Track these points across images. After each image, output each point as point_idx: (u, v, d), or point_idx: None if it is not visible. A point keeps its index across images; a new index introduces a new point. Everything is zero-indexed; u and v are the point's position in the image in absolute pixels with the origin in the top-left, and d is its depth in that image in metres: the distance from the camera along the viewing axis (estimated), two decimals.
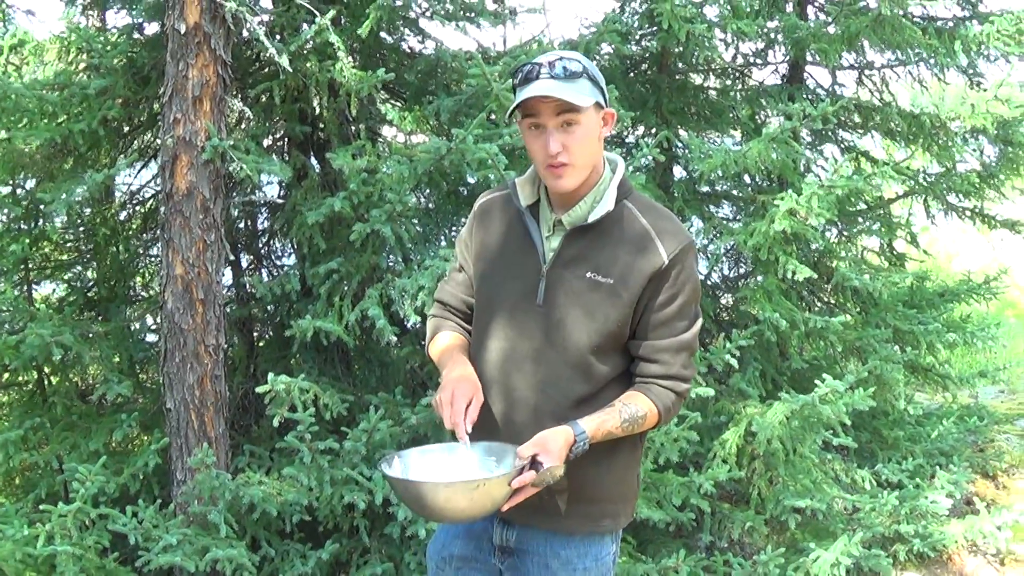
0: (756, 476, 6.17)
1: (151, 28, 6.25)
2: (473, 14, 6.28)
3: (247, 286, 6.29)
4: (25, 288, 6.38)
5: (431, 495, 2.95)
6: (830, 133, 7.88)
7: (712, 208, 7.44)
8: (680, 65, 7.55)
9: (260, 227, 6.90)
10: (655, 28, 6.90)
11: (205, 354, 5.36)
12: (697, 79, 7.90)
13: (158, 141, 6.09)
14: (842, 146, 8.04)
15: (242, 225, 6.77)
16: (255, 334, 6.64)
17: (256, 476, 5.37)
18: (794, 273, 6.19)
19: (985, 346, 7.79)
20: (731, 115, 7.60)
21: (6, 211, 6.19)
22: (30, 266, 6.38)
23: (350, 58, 5.57)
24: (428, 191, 6.26)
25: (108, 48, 6.04)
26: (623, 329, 3.18)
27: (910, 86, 8.25)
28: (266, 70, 6.05)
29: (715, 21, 6.65)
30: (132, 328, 6.48)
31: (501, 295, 3.30)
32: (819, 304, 7.87)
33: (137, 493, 5.43)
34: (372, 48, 6.31)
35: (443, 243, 6.30)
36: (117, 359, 6.05)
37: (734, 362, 5.94)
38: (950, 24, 7.45)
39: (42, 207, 5.88)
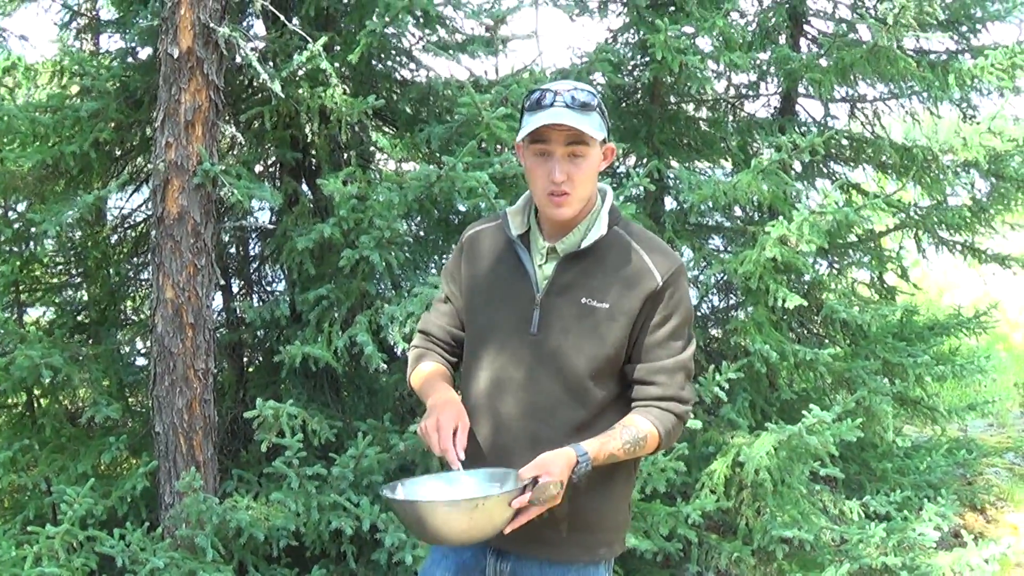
0: (744, 506, 6.17)
1: (144, 52, 6.27)
2: (466, 44, 6.30)
3: (237, 311, 6.30)
4: (16, 310, 6.38)
5: (430, 514, 2.95)
6: (821, 166, 7.91)
7: (702, 239, 7.45)
8: (672, 96, 7.58)
9: (251, 252, 6.90)
10: (647, 59, 6.92)
11: (194, 378, 5.36)
12: (689, 110, 7.92)
13: (150, 165, 6.10)
14: (834, 179, 8.05)
15: (233, 250, 6.77)
16: (245, 359, 6.64)
17: (244, 501, 5.36)
18: (784, 302, 6.19)
19: (974, 379, 7.81)
20: (722, 146, 7.62)
21: None
22: (21, 288, 6.38)
23: (342, 85, 5.58)
24: (419, 218, 6.27)
25: (101, 72, 6.06)
26: (620, 353, 3.20)
27: (903, 119, 8.27)
28: (258, 96, 6.06)
29: (708, 52, 6.66)
30: (122, 351, 6.50)
31: (494, 325, 3.31)
32: (809, 336, 7.87)
33: (125, 516, 5.42)
34: (364, 75, 6.32)
35: (433, 270, 6.30)
36: (107, 382, 6.03)
37: (723, 394, 5.94)
38: (943, 57, 7.48)
39: (33, 229, 5.89)
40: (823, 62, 7.03)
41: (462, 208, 5.94)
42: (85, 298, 6.79)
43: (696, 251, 7.16)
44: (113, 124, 5.93)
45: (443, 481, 3.22)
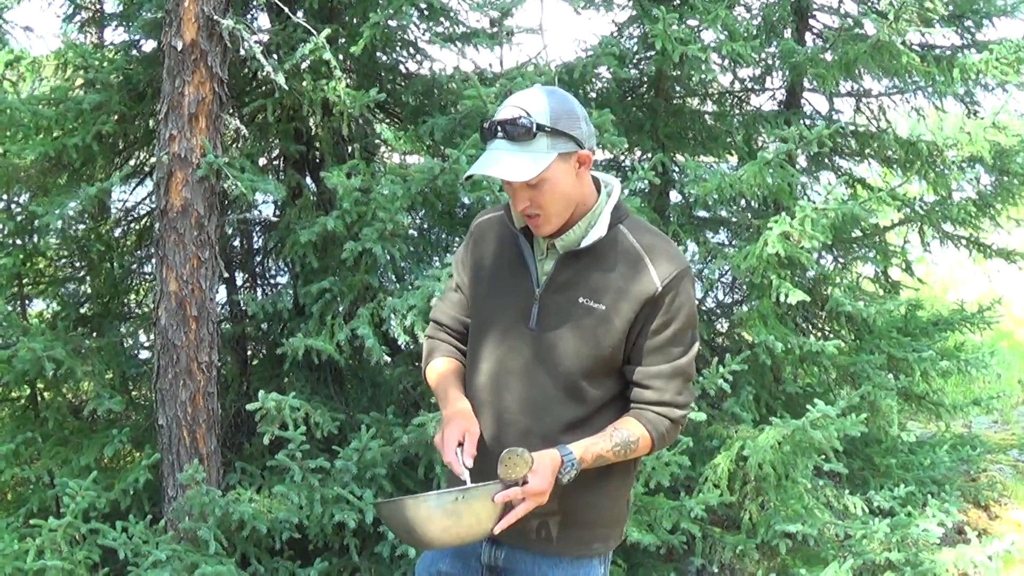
0: (747, 500, 6.16)
1: (148, 45, 6.28)
2: (470, 36, 6.29)
3: (240, 304, 6.29)
4: (19, 303, 6.38)
5: (413, 511, 2.95)
6: (826, 159, 7.89)
7: (708, 233, 7.44)
8: (677, 89, 7.57)
9: (255, 245, 6.90)
10: (652, 52, 6.91)
11: (198, 371, 5.36)
12: (694, 103, 7.92)
13: (153, 158, 6.10)
14: (839, 173, 8.03)
15: (236, 243, 6.77)
16: (248, 352, 6.64)
17: (247, 493, 5.36)
18: (787, 296, 6.18)
19: (979, 375, 7.80)
20: (727, 139, 7.61)
21: (0, 225, 6.19)
22: (24, 281, 6.38)
23: (345, 78, 5.58)
24: (422, 211, 6.26)
25: (104, 64, 6.05)
26: (616, 354, 3.17)
27: (907, 114, 8.25)
28: (262, 88, 6.05)
29: (711, 45, 6.65)
30: (125, 344, 6.49)
31: (494, 317, 3.30)
32: (814, 330, 7.86)
33: (128, 509, 5.41)
34: (368, 68, 6.33)
35: (436, 263, 6.29)
36: (110, 375, 6.04)
37: (727, 387, 5.93)
38: (948, 52, 7.46)
39: (36, 222, 5.89)
40: (828, 56, 7.02)
41: (466, 201, 5.93)
42: (88, 291, 6.78)
43: (701, 245, 7.15)
44: (116, 116, 5.92)
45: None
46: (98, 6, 7.30)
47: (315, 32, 5.42)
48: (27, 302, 6.55)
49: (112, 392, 5.71)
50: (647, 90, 7.50)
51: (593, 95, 7.01)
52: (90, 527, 5.05)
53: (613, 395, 3.25)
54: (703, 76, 6.90)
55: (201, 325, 5.35)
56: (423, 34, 6.42)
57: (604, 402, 3.23)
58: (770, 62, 7.48)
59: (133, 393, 6.52)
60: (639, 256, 3.15)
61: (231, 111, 5.58)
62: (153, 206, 6.28)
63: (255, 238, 6.90)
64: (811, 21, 7.76)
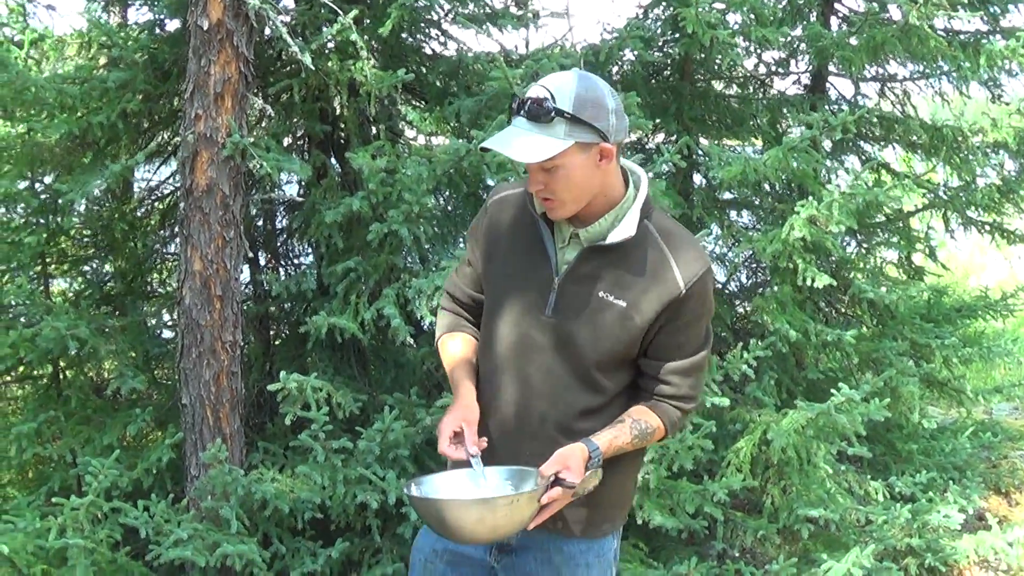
0: (770, 485, 6.16)
1: (172, 24, 6.26)
2: (496, 17, 6.28)
3: (264, 284, 6.29)
4: (42, 282, 6.39)
5: (462, 512, 2.94)
6: (851, 144, 7.86)
7: (731, 217, 7.42)
8: (702, 72, 7.54)
9: (279, 225, 6.90)
10: (678, 34, 6.89)
11: (222, 350, 5.36)
12: (719, 87, 7.89)
13: (177, 138, 6.09)
14: (863, 157, 8.00)
15: (261, 223, 6.76)
16: (271, 332, 6.65)
17: (269, 473, 5.37)
18: (812, 281, 6.17)
19: (1001, 362, 7.78)
20: (752, 123, 7.58)
21: (23, 204, 6.19)
22: (47, 260, 6.38)
23: (371, 58, 5.57)
24: (447, 192, 6.26)
25: (129, 43, 6.06)
26: (632, 349, 3.18)
27: (931, 99, 8.23)
28: (287, 68, 6.05)
29: (738, 28, 6.62)
30: (148, 324, 6.50)
31: (511, 299, 3.28)
32: (837, 315, 7.84)
33: (150, 488, 5.42)
34: (394, 49, 6.31)
35: (460, 244, 6.30)
36: (132, 354, 6.03)
37: (750, 372, 5.93)
38: (972, 38, 7.43)
39: (60, 201, 5.90)
40: (853, 41, 6.99)
41: (491, 183, 5.92)
42: (111, 270, 6.79)
43: (724, 229, 7.14)
44: (141, 95, 5.92)
45: (457, 479, 3.21)
46: None
47: (342, 12, 5.41)
48: (50, 281, 6.55)
49: (135, 371, 5.73)
50: (672, 73, 7.48)
51: (618, 77, 6.98)
52: (112, 506, 5.06)
53: (625, 384, 3.27)
54: (729, 60, 6.86)
55: (225, 305, 5.35)
56: (449, 15, 6.41)
57: (618, 391, 3.25)
58: (795, 45, 7.46)
59: (156, 373, 6.53)
60: (664, 255, 3.13)
61: (256, 91, 5.57)
62: (176, 185, 6.28)
63: (279, 218, 6.90)
64: (836, 5, 7.72)
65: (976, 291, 8.43)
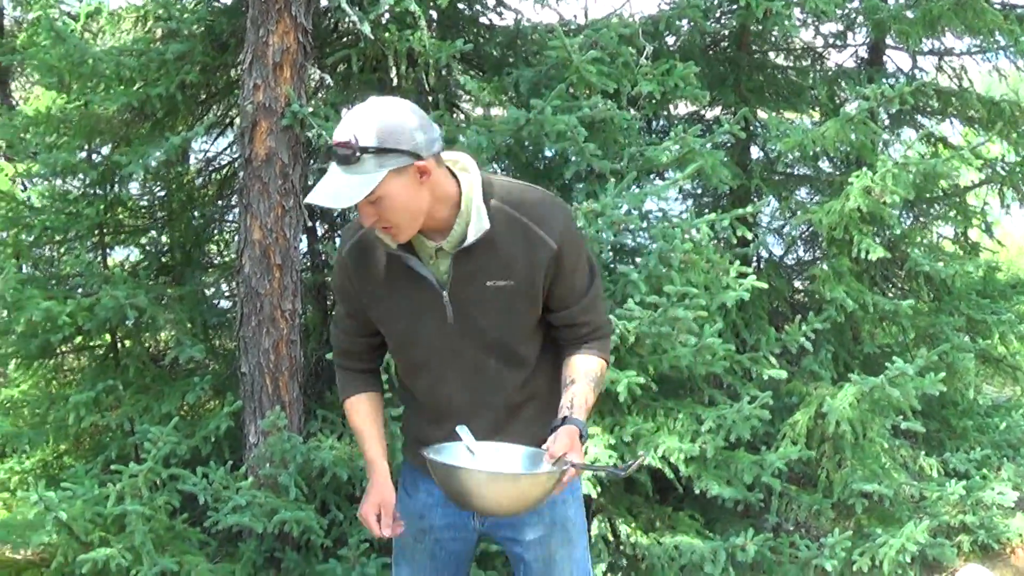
0: (824, 459, 6.14)
1: None
2: None
3: (322, 253, 6.31)
4: (100, 252, 6.43)
5: (479, 482, 3.03)
6: (908, 117, 7.81)
7: (789, 189, 7.40)
8: (759, 43, 7.52)
9: None
10: (735, 5, 6.86)
11: (281, 319, 5.39)
12: (776, 59, 7.87)
13: (234, 109, 6.11)
14: (920, 131, 7.95)
15: None
16: (328, 302, 6.65)
17: (328, 441, 5.39)
18: (868, 253, 6.15)
19: None
20: (809, 95, 7.55)
21: (82, 175, 6.24)
22: (105, 231, 6.42)
23: (429, 28, 5.57)
24: (506, 162, 6.25)
25: (186, 15, 6.07)
26: (536, 314, 3.28)
27: (988, 74, 8.17)
28: (345, 39, 6.06)
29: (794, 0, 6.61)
30: (206, 294, 6.53)
31: (413, 330, 3.32)
32: (893, 290, 7.81)
33: (208, 456, 5.44)
34: (451, 19, 6.32)
35: None
36: (190, 324, 6.07)
37: (808, 344, 5.92)
38: None
39: (118, 172, 5.93)
40: (910, 13, 6.95)
41: (549, 153, 5.92)
42: (169, 240, 6.82)
43: (783, 201, 7.12)
44: (199, 67, 5.93)
45: (471, 452, 3.25)
46: None
47: None
48: (108, 252, 6.59)
49: (193, 340, 5.76)
50: (729, 44, 7.46)
51: (675, 48, 6.96)
52: (171, 472, 5.11)
53: (546, 343, 3.38)
54: (785, 31, 6.84)
55: (285, 273, 5.38)
56: None
57: (539, 353, 3.37)
58: (853, 18, 7.42)
59: (213, 342, 6.56)
60: (526, 225, 3.17)
61: (314, 61, 5.59)
62: (234, 156, 6.31)
63: None
64: None
65: None
